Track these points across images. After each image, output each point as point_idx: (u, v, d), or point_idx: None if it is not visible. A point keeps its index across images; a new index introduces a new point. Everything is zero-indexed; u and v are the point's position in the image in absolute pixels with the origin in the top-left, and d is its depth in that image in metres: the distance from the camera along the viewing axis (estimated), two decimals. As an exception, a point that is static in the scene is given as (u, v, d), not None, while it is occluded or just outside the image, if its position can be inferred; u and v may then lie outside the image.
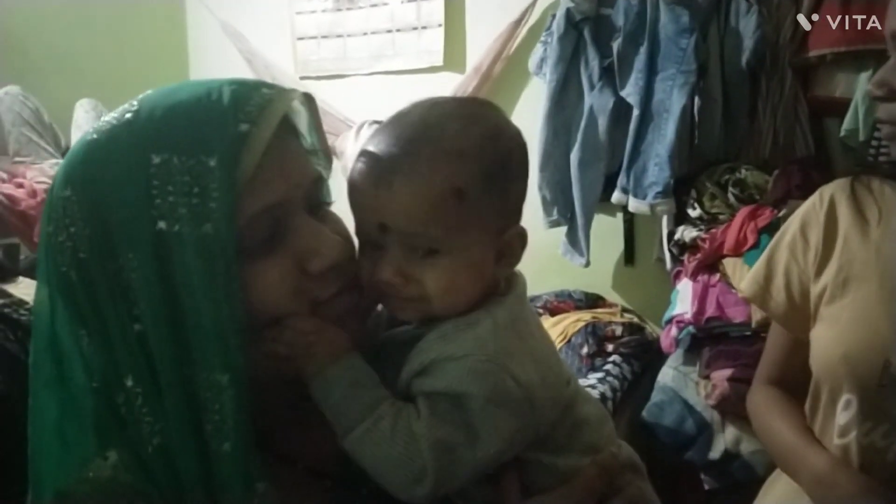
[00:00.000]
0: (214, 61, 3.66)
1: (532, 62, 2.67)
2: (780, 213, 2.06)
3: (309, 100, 0.63)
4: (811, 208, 1.03)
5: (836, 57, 2.12)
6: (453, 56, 3.02)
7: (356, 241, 0.64)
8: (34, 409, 0.61)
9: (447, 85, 2.97)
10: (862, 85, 2.08)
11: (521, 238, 0.66)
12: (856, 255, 0.96)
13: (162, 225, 0.53)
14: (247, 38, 3.39)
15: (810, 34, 2.16)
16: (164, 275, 0.53)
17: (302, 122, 0.65)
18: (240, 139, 0.54)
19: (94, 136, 0.57)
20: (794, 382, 1.06)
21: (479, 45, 2.92)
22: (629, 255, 2.75)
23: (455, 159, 0.59)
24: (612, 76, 2.43)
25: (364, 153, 0.62)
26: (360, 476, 0.60)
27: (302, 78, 3.30)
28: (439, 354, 0.59)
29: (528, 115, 2.73)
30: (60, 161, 3.00)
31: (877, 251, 0.94)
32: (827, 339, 0.95)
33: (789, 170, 2.13)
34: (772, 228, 2.03)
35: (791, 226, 1.05)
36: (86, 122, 3.02)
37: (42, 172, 2.93)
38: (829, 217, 1.00)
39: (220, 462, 0.53)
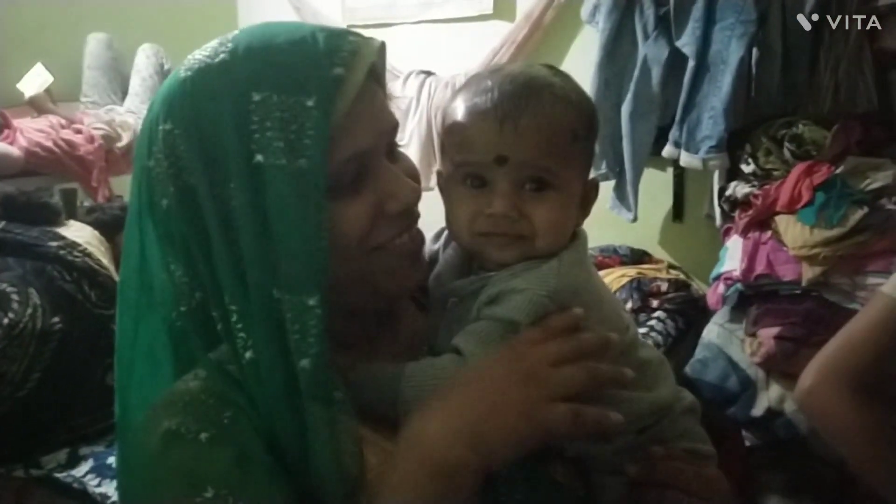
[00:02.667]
0: (263, 9, 3.65)
1: (585, 10, 2.60)
2: (838, 170, 1.99)
3: (383, 49, 0.65)
4: None
5: None
6: (503, 3, 2.96)
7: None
8: (121, 335, 0.67)
9: (496, 33, 2.93)
10: (934, 36, 1.98)
11: (596, 189, 0.72)
12: None
13: (260, 158, 0.56)
14: (296, -15, 3.38)
15: (880, -18, 2.06)
16: (260, 204, 0.57)
17: (382, 70, 0.68)
18: (335, 82, 0.58)
19: (189, 73, 0.60)
20: (877, 385, 0.94)
21: (531, -8, 2.86)
22: (678, 211, 2.71)
23: (567, 104, 0.66)
24: (667, 25, 2.36)
25: (471, 93, 0.66)
26: None
27: (350, 26, 3.28)
28: (505, 286, 0.63)
29: (579, 66, 2.67)
30: (114, 107, 3.09)
31: None
32: None
33: (850, 125, 2.06)
34: (828, 186, 1.98)
35: None
36: (146, 66, 3.08)
37: (98, 118, 3.00)
38: None
39: (301, 378, 0.57)
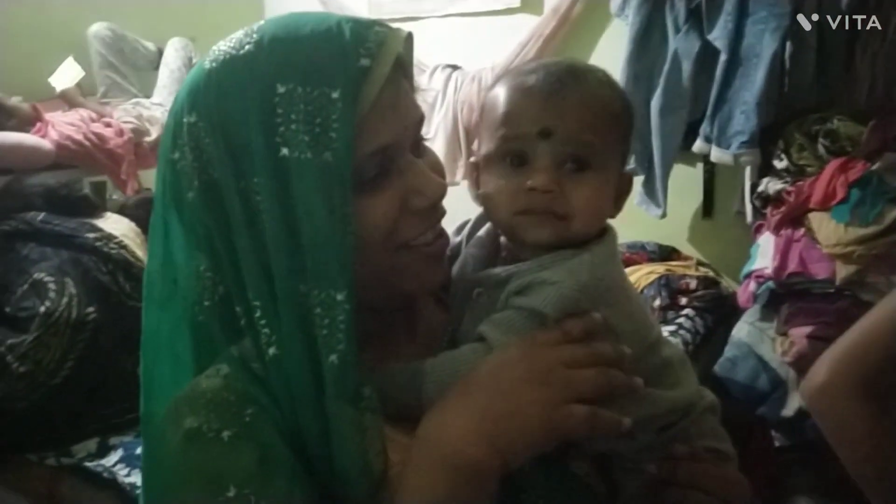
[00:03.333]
0: (290, 3, 3.67)
1: (614, 3, 2.58)
2: (874, 167, 1.95)
3: (410, 40, 0.65)
4: None
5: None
6: (531, -3, 2.94)
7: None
8: (146, 327, 0.67)
9: (524, 27, 2.91)
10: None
11: (630, 182, 0.72)
12: None
13: (285, 151, 0.56)
14: (322, -23, 3.39)
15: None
16: (285, 198, 0.56)
17: (409, 61, 0.67)
18: (361, 73, 0.57)
19: (214, 65, 0.59)
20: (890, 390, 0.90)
21: (559, -15, 2.83)
22: (707, 208, 2.67)
23: (610, 88, 0.69)
24: (698, 19, 2.32)
25: (518, 78, 0.67)
26: None
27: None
28: (535, 278, 0.63)
29: (608, 60, 2.64)
30: (141, 99, 3.12)
31: None
32: None
33: (887, 121, 2.01)
34: (863, 182, 1.93)
35: None
36: (174, 59, 3.11)
37: (127, 112, 3.03)
38: None
39: (327, 372, 0.56)
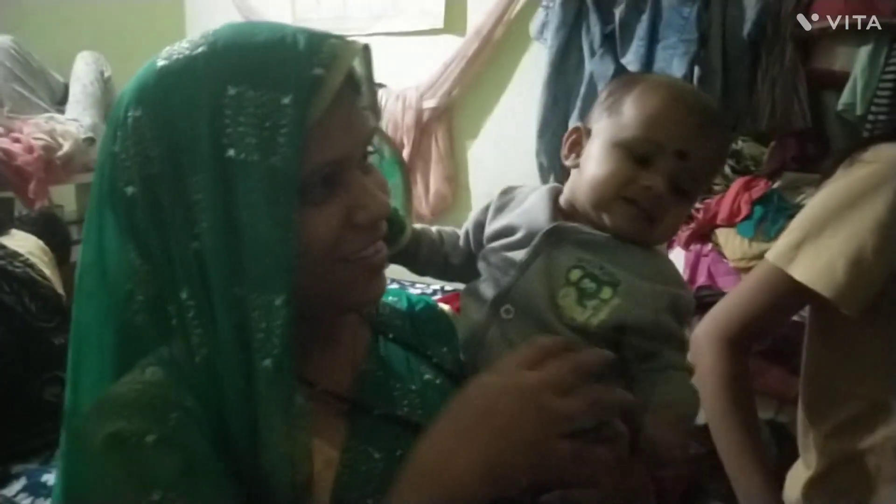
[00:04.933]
0: (211, 17, 3.61)
1: (533, 26, 2.65)
2: (775, 185, 2.07)
3: (367, 53, 0.65)
4: None
5: (838, 29, 2.11)
6: (454, 18, 2.99)
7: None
8: (75, 320, 0.65)
9: (447, 48, 2.95)
10: (862, 59, 2.08)
11: None
12: None
13: (231, 153, 0.55)
14: (245, -6, 3.36)
15: (812, 6, 2.15)
16: (227, 199, 0.56)
17: (366, 74, 0.67)
18: (313, 82, 0.57)
19: (166, 62, 0.59)
20: (756, 339, 1.07)
21: (481, 7, 2.89)
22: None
23: (729, 141, 0.79)
24: (613, 43, 2.42)
25: (680, 89, 0.75)
26: (372, 400, 0.67)
27: (301, 37, 3.27)
28: (684, 293, 0.73)
29: (528, 81, 2.72)
30: (54, 115, 2.99)
31: None
32: None
33: (786, 142, 2.14)
34: (766, 200, 2.05)
35: (871, 215, 0.94)
36: (86, 74, 3.00)
37: (38, 128, 2.91)
38: None
39: (260, 377, 0.56)
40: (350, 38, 0.62)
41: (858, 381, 1.02)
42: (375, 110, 0.68)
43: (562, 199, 0.78)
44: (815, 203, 1.01)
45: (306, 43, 0.59)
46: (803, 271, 0.98)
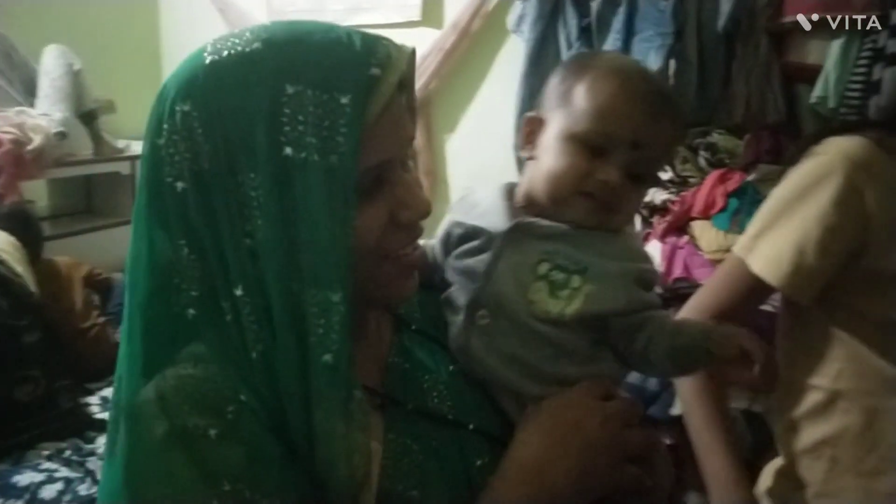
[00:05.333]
0: (185, 9, 3.57)
1: (511, 19, 2.65)
2: (750, 178, 2.09)
3: (413, 57, 0.65)
4: (845, 185, 0.94)
5: (811, 23, 2.13)
6: (431, 11, 2.98)
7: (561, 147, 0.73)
8: (127, 314, 0.64)
9: (424, 40, 2.94)
10: (834, 52, 2.10)
11: None
12: None
13: (289, 151, 0.56)
14: (220, -15, 3.32)
15: (786, 1, 2.17)
16: (284, 197, 0.56)
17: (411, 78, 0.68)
18: (371, 82, 0.58)
19: (216, 57, 0.58)
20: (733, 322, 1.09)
21: (458, 0, 2.89)
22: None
23: (683, 121, 0.79)
24: (590, 36, 2.43)
25: (629, 76, 0.73)
26: (402, 393, 0.68)
27: (276, 29, 3.24)
28: (645, 268, 0.73)
29: (506, 74, 2.72)
30: (25, 108, 2.93)
31: None
32: None
33: (760, 135, 2.16)
34: (741, 192, 2.07)
35: (816, 206, 0.96)
36: (54, 68, 2.95)
37: (7, 121, 2.86)
38: (880, 190, 0.93)
39: (319, 372, 0.56)
40: (399, 43, 0.63)
41: (817, 373, 1.04)
42: (413, 112, 0.69)
43: (519, 192, 0.78)
44: (773, 195, 1.04)
45: (362, 44, 0.59)
46: (757, 262, 1.02)
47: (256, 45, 0.58)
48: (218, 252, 0.58)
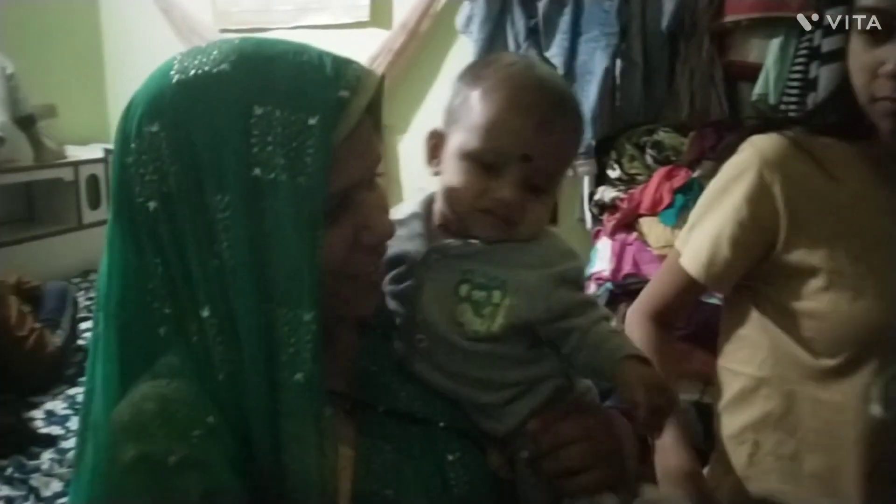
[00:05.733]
0: (127, 11, 3.49)
1: (459, 20, 2.66)
2: (695, 174, 2.14)
3: (382, 82, 0.65)
4: (757, 181, 0.98)
5: (751, 23, 2.19)
6: (380, 11, 2.98)
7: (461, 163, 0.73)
8: (94, 336, 0.64)
9: (373, 41, 2.94)
10: (773, 51, 2.16)
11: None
12: (857, 218, 0.96)
13: (258, 171, 0.56)
14: (163, -14, 3.25)
15: (727, 0, 2.23)
16: (253, 217, 0.56)
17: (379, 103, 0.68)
18: (340, 104, 0.58)
19: (183, 77, 0.58)
20: (674, 319, 1.13)
21: (406, 1, 2.89)
22: (553, 215, 2.78)
23: (582, 123, 0.76)
24: (537, 36, 2.45)
25: (513, 89, 0.71)
26: (372, 396, 0.68)
27: (222, 31, 3.19)
28: (573, 265, 0.74)
29: (455, 74, 2.72)
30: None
31: (889, 211, 0.94)
32: (864, 310, 0.95)
33: (704, 132, 2.21)
34: (686, 189, 2.11)
35: (731, 201, 1.01)
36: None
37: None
38: (788, 187, 0.97)
39: (290, 391, 0.56)
40: (367, 67, 0.63)
41: (745, 361, 1.08)
42: (381, 134, 0.70)
43: (436, 209, 0.77)
44: (705, 190, 1.08)
45: (332, 66, 0.59)
46: (684, 255, 1.06)
47: (224, 65, 0.57)
48: (185, 273, 0.58)
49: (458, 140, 0.73)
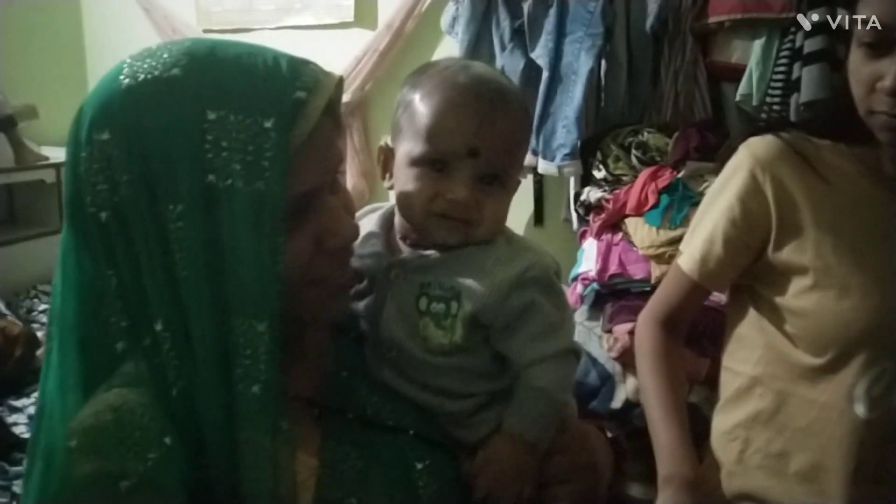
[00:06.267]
0: (109, 11, 3.46)
1: (444, 21, 2.66)
2: (680, 175, 2.15)
3: (341, 84, 0.65)
4: (749, 181, 1.00)
5: (733, 24, 2.21)
6: (364, 12, 2.96)
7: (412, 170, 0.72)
8: (48, 350, 0.62)
9: (358, 42, 2.92)
10: (756, 52, 2.18)
11: (518, 184, 0.80)
12: (849, 220, 0.96)
13: (212, 178, 0.54)
14: (145, -15, 3.23)
15: (710, 1, 2.24)
16: (208, 226, 0.54)
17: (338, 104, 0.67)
18: (297, 105, 0.57)
19: (132, 82, 0.56)
20: (682, 323, 1.14)
21: (391, 1, 2.88)
22: (538, 216, 2.81)
23: (526, 111, 0.76)
24: (522, 37, 2.45)
25: (449, 89, 0.71)
26: (340, 402, 0.68)
27: (205, 31, 3.16)
28: (530, 263, 0.72)
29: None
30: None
31: (883, 215, 0.95)
32: (850, 309, 0.95)
33: (688, 132, 2.22)
34: (671, 189, 2.12)
35: (725, 200, 1.02)
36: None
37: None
38: (778, 187, 0.98)
39: (248, 403, 0.55)
40: (325, 69, 0.62)
41: (742, 360, 1.10)
42: (343, 135, 0.67)
43: (396, 221, 0.78)
44: (707, 193, 1.10)
45: (288, 67, 0.58)
46: (683, 254, 1.09)
47: (175, 70, 0.56)
48: (138, 285, 0.56)
49: (405, 149, 0.73)
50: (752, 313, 1.08)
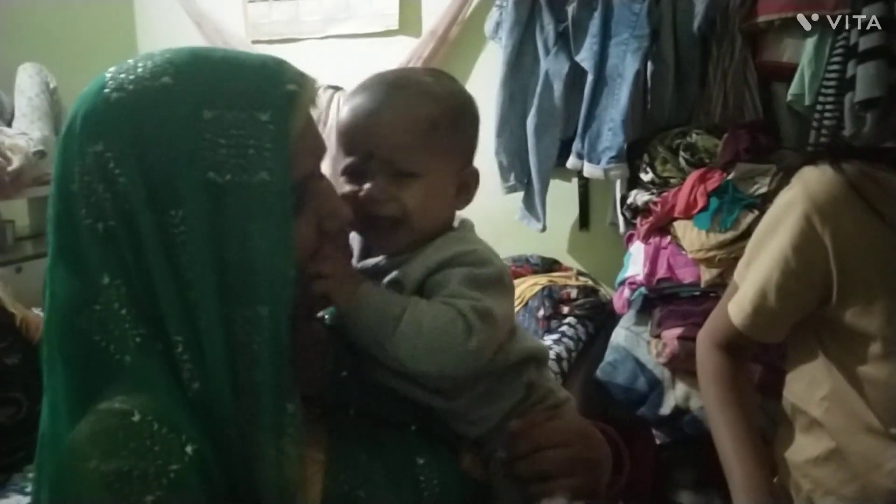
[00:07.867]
0: (162, 25, 3.55)
1: (488, 26, 2.66)
2: (729, 177, 2.11)
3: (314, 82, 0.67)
4: (805, 227, 0.90)
5: (784, 23, 2.16)
6: (408, 19, 2.98)
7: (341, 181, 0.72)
8: (48, 356, 0.61)
9: (402, 49, 2.94)
10: (808, 50, 2.13)
11: (475, 176, 0.78)
12: None
13: (212, 175, 0.55)
14: (196, 0, 3.30)
15: (759, 0, 2.20)
16: (214, 225, 0.55)
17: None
18: (291, 97, 0.58)
19: (121, 94, 0.56)
20: (745, 349, 1.09)
21: (435, 8, 2.89)
22: (584, 220, 2.79)
23: (430, 99, 0.73)
24: (567, 41, 2.44)
25: (352, 97, 0.72)
26: (342, 400, 0.69)
27: (254, 42, 3.22)
28: (454, 252, 0.70)
29: (485, 80, 2.72)
30: (3, 128, 2.89)
31: None
32: None
33: (738, 133, 2.18)
34: (721, 191, 2.09)
35: (778, 247, 0.94)
36: (30, 87, 2.92)
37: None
38: (839, 238, 0.88)
39: (258, 391, 0.56)
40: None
41: (803, 398, 1.04)
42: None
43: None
44: (760, 223, 1.03)
45: (273, 63, 0.60)
46: (732, 301, 1.03)
47: (165, 78, 0.57)
48: (150, 292, 0.56)
49: (336, 166, 0.74)
50: (818, 352, 1.00)
